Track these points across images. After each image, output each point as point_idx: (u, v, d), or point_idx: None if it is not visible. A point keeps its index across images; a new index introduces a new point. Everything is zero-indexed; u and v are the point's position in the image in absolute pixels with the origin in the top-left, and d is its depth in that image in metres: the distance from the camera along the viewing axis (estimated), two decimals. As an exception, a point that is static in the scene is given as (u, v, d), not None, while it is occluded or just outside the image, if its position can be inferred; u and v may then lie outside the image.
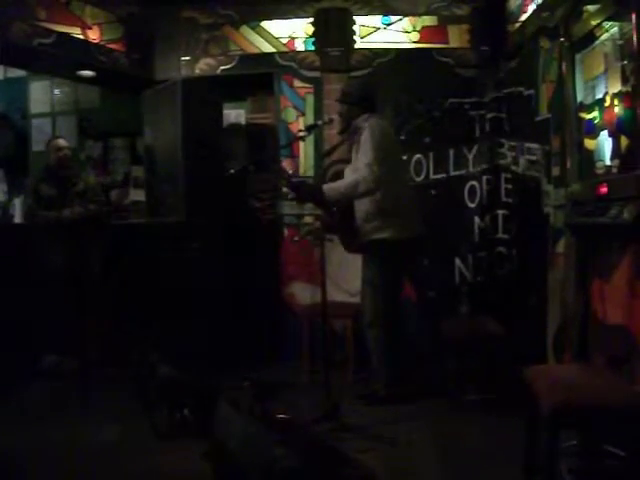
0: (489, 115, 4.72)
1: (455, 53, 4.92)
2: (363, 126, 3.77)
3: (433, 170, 4.85)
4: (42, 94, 6.20)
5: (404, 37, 5.01)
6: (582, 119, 3.17)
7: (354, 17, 4.98)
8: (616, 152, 2.82)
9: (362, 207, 3.82)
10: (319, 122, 4.19)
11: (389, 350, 3.82)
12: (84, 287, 4.82)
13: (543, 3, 3.79)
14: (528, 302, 4.02)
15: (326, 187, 3.71)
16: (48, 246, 4.73)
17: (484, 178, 4.72)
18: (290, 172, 4.68)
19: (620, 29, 2.74)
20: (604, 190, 2.83)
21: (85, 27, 4.78)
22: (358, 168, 3.67)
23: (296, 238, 5.07)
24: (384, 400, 3.78)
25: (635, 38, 2.53)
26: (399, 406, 3.73)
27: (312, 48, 5.06)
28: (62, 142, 4.91)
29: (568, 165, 3.33)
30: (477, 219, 4.74)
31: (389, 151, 3.78)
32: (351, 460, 2.32)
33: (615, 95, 2.80)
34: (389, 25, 5.02)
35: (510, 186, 4.56)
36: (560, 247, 3.56)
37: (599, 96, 2.97)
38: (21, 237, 4.86)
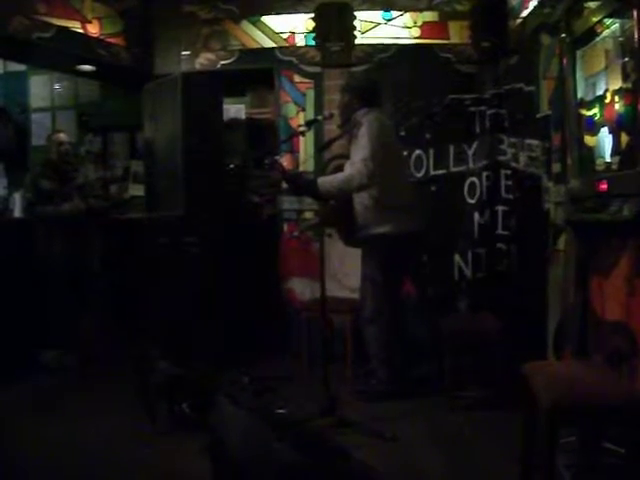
0: (489, 111, 4.70)
1: (456, 49, 4.91)
2: (362, 120, 3.77)
3: (433, 166, 4.84)
4: (42, 88, 6.19)
5: (405, 32, 5.00)
6: (582, 116, 3.17)
7: (355, 12, 4.97)
8: (616, 149, 2.82)
9: (361, 202, 3.82)
10: (319, 117, 4.18)
11: (388, 346, 3.82)
12: (83, 281, 4.83)
13: (544, -1, 3.78)
14: (528, 298, 4.02)
15: (320, 180, 3.71)
16: (47, 240, 4.73)
17: (484, 174, 4.71)
18: (283, 163, 4.65)
19: (621, 26, 2.73)
20: (604, 187, 2.83)
21: (85, 21, 4.78)
22: (353, 162, 3.68)
23: (295, 233, 5.07)
24: (382, 396, 3.78)
25: (636, 35, 2.53)
26: (397, 402, 3.74)
27: (312, 43, 5.04)
28: (63, 136, 4.91)
29: (568, 162, 3.33)
30: (477, 215, 4.73)
31: (387, 146, 3.78)
32: (349, 456, 2.32)
33: (616, 92, 2.80)
34: (390, 20, 5.01)
35: (510, 182, 4.56)
36: (560, 244, 3.56)
37: (599, 93, 2.97)
38: (21, 231, 4.86)
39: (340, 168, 3.99)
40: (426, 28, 4.99)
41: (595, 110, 3.02)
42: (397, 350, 3.86)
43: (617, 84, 2.78)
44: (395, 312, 3.89)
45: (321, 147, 4.78)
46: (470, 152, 4.79)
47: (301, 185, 3.78)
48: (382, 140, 3.71)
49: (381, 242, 3.78)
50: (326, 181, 3.71)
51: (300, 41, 5.12)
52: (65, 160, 4.87)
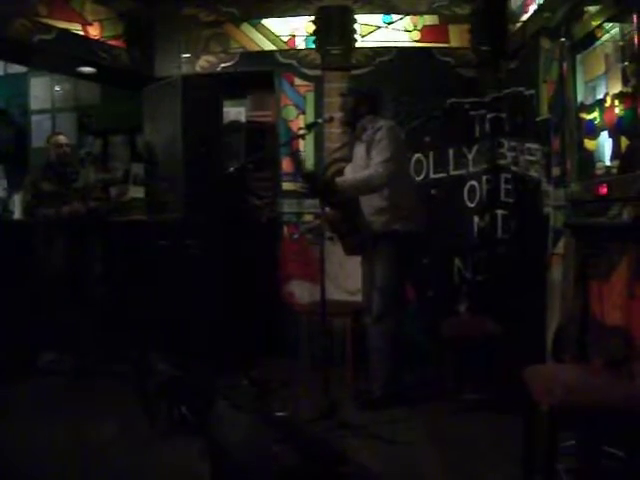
0: (489, 115, 4.71)
1: (456, 52, 4.92)
2: (370, 127, 3.80)
3: (433, 169, 4.85)
4: (42, 90, 6.19)
5: (405, 36, 5.01)
6: (582, 119, 3.18)
7: (355, 15, 4.98)
8: (616, 153, 2.82)
9: (372, 203, 3.83)
10: (319, 120, 4.19)
11: (392, 347, 3.82)
12: (83, 283, 4.82)
13: (544, 3, 3.78)
14: (527, 302, 4.02)
15: (340, 179, 3.75)
16: (47, 242, 4.73)
17: (484, 178, 4.72)
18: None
19: (621, 30, 2.74)
20: (604, 191, 2.84)
21: (86, 23, 4.79)
22: (373, 164, 3.70)
23: (295, 236, 5.07)
24: (381, 400, 3.78)
25: (636, 39, 2.54)
26: (397, 405, 3.73)
27: (313, 46, 5.05)
28: (62, 138, 4.90)
29: (568, 165, 3.33)
30: (477, 219, 4.74)
31: (400, 151, 3.84)
32: (349, 459, 2.33)
33: (615, 96, 2.81)
34: (390, 24, 5.02)
35: (510, 186, 4.56)
36: (559, 247, 3.56)
37: (599, 97, 2.98)
38: (21, 233, 4.86)
39: (340, 171, 4.00)
40: (426, 32, 4.99)
41: (595, 114, 3.03)
42: (399, 352, 3.86)
43: (617, 88, 2.78)
44: (400, 312, 3.90)
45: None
46: (470, 156, 4.80)
47: (319, 184, 3.76)
48: (397, 145, 3.78)
49: (392, 239, 3.79)
50: (345, 180, 3.76)
51: (300, 44, 5.13)
52: (64, 162, 4.86)
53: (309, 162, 5.04)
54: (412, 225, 3.82)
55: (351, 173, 3.91)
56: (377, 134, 3.74)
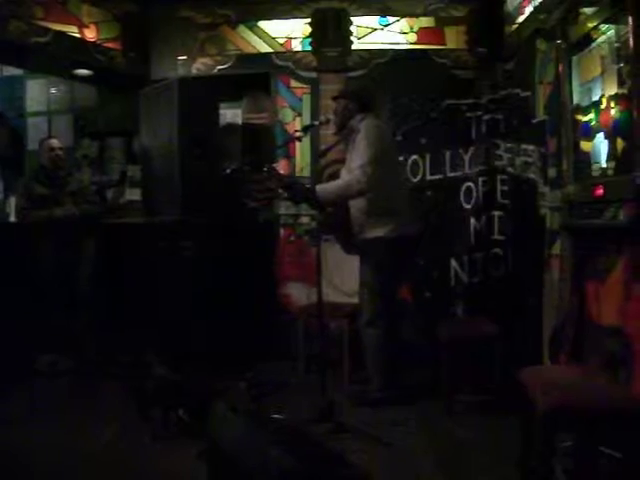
0: (486, 117, 4.72)
1: (452, 54, 4.93)
2: (358, 127, 3.79)
3: (429, 171, 4.85)
4: (38, 93, 6.18)
5: (401, 38, 5.02)
6: (578, 121, 3.18)
7: (351, 18, 4.98)
8: (612, 154, 2.83)
9: (356, 206, 3.83)
10: (316, 122, 4.19)
11: (385, 350, 3.82)
12: (79, 286, 4.81)
13: (540, 5, 3.79)
14: (524, 303, 4.03)
15: (319, 188, 3.71)
16: (41, 245, 4.72)
17: (480, 179, 4.73)
18: (281, 172, 4.65)
19: (617, 32, 2.75)
20: (600, 192, 2.85)
21: (82, 26, 4.79)
22: (351, 169, 3.69)
23: (292, 238, 5.07)
24: (378, 402, 3.77)
25: (631, 41, 2.54)
26: (395, 407, 3.73)
27: (309, 48, 5.05)
28: (55, 142, 4.89)
29: (564, 167, 3.34)
30: (473, 220, 4.75)
31: (384, 151, 3.79)
32: (347, 461, 2.32)
33: (611, 97, 2.81)
34: (386, 26, 5.03)
35: (506, 187, 4.57)
36: (556, 249, 3.56)
37: (595, 98, 2.99)
38: (17, 236, 4.84)
39: (336, 174, 4.00)
40: (422, 33, 5.00)
41: (591, 115, 3.04)
42: (394, 355, 3.86)
43: (613, 90, 2.79)
44: (392, 316, 3.89)
45: (320, 154, 4.79)
46: (466, 157, 4.80)
47: (299, 193, 3.77)
48: (379, 145, 3.73)
49: (376, 246, 3.79)
50: (325, 189, 3.73)
51: (297, 46, 5.13)
52: (57, 166, 4.85)
53: (305, 164, 5.05)
54: (399, 231, 3.78)
55: (345, 174, 3.90)
56: (357, 136, 3.74)
